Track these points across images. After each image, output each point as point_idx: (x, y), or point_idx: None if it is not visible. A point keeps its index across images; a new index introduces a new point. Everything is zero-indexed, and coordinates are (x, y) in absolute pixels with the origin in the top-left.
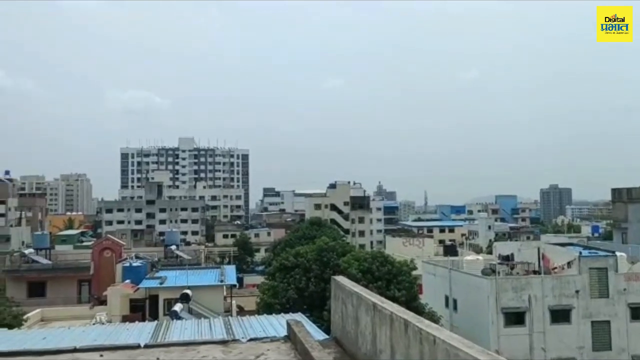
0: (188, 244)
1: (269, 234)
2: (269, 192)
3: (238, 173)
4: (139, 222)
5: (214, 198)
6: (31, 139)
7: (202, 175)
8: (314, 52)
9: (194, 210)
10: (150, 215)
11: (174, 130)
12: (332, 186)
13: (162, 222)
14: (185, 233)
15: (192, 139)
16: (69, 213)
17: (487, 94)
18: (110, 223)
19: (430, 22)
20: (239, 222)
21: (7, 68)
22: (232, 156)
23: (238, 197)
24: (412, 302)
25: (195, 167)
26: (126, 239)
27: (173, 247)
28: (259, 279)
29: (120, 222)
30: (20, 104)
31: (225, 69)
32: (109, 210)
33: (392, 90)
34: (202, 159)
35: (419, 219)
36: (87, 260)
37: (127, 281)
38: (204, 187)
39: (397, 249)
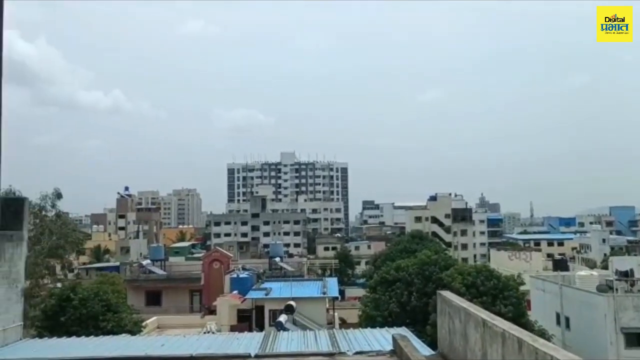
0: (291, 256)
1: (369, 246)
2: (368, 204)
3: (337, 186)
4: (244, 235)
5: (314, 211)
6: (147, 157)
7: (303, 188)
8: (410, 64)
9: (296, 223)
10: (255, 228)
11: (276, 145)
12: (433, 198)
13: (266, 234)
14: (288, 245)
15: (293, 154)
16: (180, 226)
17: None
18: (218, 235)
19: (536, 24)
20: (339, 234)
21: (127, 92)
22: (331, 169)
23: (338, 210)
24: (519, 319)
25: (297, 181)
26: (233, 251)
27: (277, 259)
28: (360, 292)
29: (228, 234)
30: (138, 125)
31: (324, 85)
32: (217, 223)
33: (494, 95)
34: (303, 173)
35: (525, 232)
36: (198, 272)
37: (235, 292)
38: (305, 200)
39: (503, 263)
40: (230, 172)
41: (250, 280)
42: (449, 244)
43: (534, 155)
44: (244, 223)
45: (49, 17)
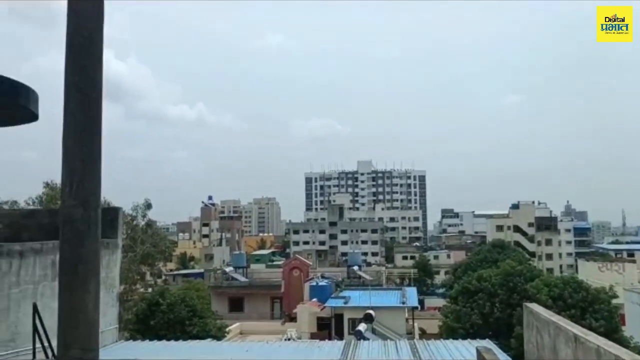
0: (369, 264)
1: (448, 256)
2: (447, 213)
3: (415, 194)
4: (322, 243)
5: (392, 219)
6: (229, 167)
7: (380, 197)
8: (490, 68)
9: (374, 231)
10: (332, 237)
11: (353, 154)
12: (515, 206)
13: (344, 243)
14: (365, 254)
15: (370, 162)
16: (261, 234)
17: None
18: (297, 243)
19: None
20: (417, 243)
21: (210, 105)
22: (409, 177)
23: (416, 219)
24: (612, 334)
25: (374, 190)
26: (312, 259)
27: (355, 268)
28: (440, 302)
29: (306, 242)
30: (221, 137)
31: (399, 93)
32: (296, 232)
33: (577, 99)
34: (380, 181)
35: (617, 242)
36: (278, 279)
37: (314, 300)
38: (383, 209)
39: (592, 274)
40: (308, 181)
41: (329, 288)
42: (532, 254)
43: (623, 160)
44: (322, 231)
45: (139, 36)
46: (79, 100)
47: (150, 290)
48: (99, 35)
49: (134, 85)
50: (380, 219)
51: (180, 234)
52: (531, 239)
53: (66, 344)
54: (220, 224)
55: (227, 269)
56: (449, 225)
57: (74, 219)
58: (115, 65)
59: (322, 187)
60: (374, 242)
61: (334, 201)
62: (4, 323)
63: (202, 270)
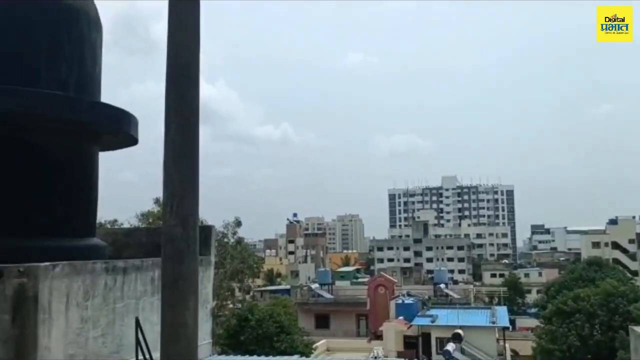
0: (456, 282)
1: (540, 274)
2: (537, 229)
3: (503, 210)
4: (407, 260)
5: (479, 236)
6: (312, 184)
7: (466, 213)
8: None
9: (460, 248)
10: (417, 254)
11: (436, 170)
12: (613, 222)
13: (429, 260)
14: (452, 271)
15: (454, 177)
16: (345, 251)
17: None
18: (381, 261)
19: None
20: (506, 260)
21: (294, 124)
22: (495, 193)
23: (504, 235)
24: None
25: (459, 205)
26: (396, 276)
27: (442, 286)
28: (532, 322)
29: (390, 259)
30: (304, 155)
31: (482, 105)
32: (380, 249)
33: None
34: (466, 197)
35: None
36: (364, 296)
37: (400, 318)
38: (469, 225)
39: None
40: (392, 197)
41: (415, 306)
42: (634, 273)
43: None
44: (407, 248)
45: (227, 61)
46: (178, 125)
47: (239, 306)
48: (196, 62)
49: (222, 108)
50: (467, 235)
51: (267, 251)
52: (632, 257)
53: (168, 357)
54: (305, 240)
55: (313, 286)
56: (540, 242)
57: (174, 238)
58: (205, 89)
59: (405, 203)
60: (461, 260)
61: (418, 217)
62: (110, 335)
63: (288, 287)
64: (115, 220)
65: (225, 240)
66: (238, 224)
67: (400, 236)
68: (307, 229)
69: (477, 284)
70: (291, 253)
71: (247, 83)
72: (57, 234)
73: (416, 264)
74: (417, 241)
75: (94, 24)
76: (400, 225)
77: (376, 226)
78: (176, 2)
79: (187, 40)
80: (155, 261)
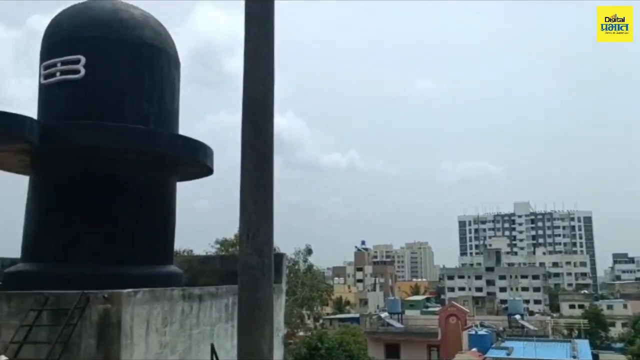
0: (531, 313)
1: (625, 306)
2: (620, 258)
3: (581, 237)
4: (479, 289)
5: (555, 265)
6: (380, 211)
7: (541, 240)
8: None
9: (535, 277)
10: (490, 283)
11: (508, 196)
12: None
13: (502, 289)
14: (527, 302)
15: (527, 204)
16: (414, 279)
17: None
18: (452, 290)
19: None
20: (586, 291)
21: (362, 152)
22: (572, 219)
23: (583, 264)
24: None
25: (533, 233)
26: (468, 305)
27: (517, 317)
28: (618, 358)
29: (462, 288)
30: (372, 182)
31: (557, 129)
32: (450, 277)
33: None
34: (540, 224)
35: None
36: (435, 326)
37: (474, 349)
38: (544, 253)
39: None
40: (462, 224)
41: (489, 337)
42: None
43: None
44: (479, 277)
45: (296, 91)
46: (254, 158)
47: (309, 333)
48: (271, 97)
49: (291, 137)
50: (542, 264)
51: (336, 278)
52: None
53: None
54: (373, 268)
55: (382, 315)
56: (624, 272)
57: (250, 267)
58: (276, 119)
59: (476, 230)
60: (536, 289)
61: (490, 245)
62: None
63: (357, 315)
64: (191, 250)
65: (297, 267)
66: (309, 251)
67: (472, 264)
68: (375, 257)
69: (555, 315)
70: (359, 281)
71: (315, 112)
72: (137, 262)
73: (489, 294)
74: (489, 270)
75: (173, 61)
76: (471, 253)
77: (446, 254)
78: (251, 39)
79: (262, 76)
80: (229, 288)
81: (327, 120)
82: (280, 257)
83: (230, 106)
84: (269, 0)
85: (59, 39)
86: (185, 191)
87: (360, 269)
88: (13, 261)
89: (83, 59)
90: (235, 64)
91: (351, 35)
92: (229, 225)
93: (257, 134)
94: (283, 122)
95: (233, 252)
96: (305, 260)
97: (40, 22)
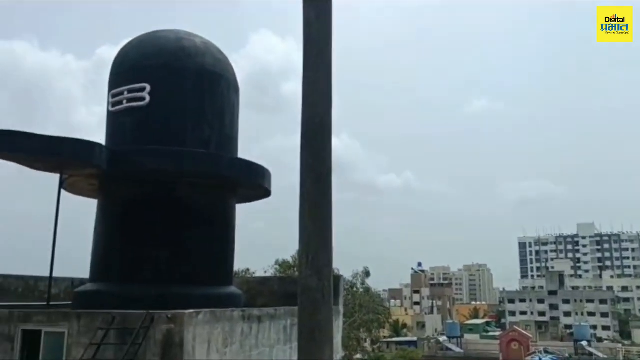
0: (600, 340)
1: None
2: None
3: None
4: (541, 314)
5: (624, 289)
6: (437, 233)
7: (607, 263)
8: None
9: (602, 302)
10: (553, 307)
11: (571, 216)
12: None
13: (567, 314)
14: (594, 327)
15: (592, 225)
16: (473, 302)
17: None
18: (513, 313)
19: None
20: None
21: (417, 172)
22: None
23: None
24: None
25: (599, 255)
26: (531, 330)
27: (584, 343)
28: None
29: (523, 313)
30: (428, 203)
31: (623, 145)
32: (511, 301)
33: None
34: (606, 246)
35: None
36: (495, 351)
37: None
38: (612, 277)
39: None
40: (522, 246)
41: None
42: None
43: None
44: (541, 301)
45: (351, 112)
46: (313, 180)
47: (367, 357)
48: (329, 120)
49: (346, 159)
50: (609, 288)
51: (392, 301)
52: None
53: None
54: (430, 291)
55: (441, 339)
56: None
57: (310, 289)
58: (332, 142)
59: (537, 252)
60: (604, 315)
61: (553, 268)
62: None
63: (415, 339)
64: (248, 269)
65: (355, 290)
66: (367, 274)
67: (533, 287)
68: (432, 279)
69: (626, 342)
70: (417, 304)
71: (370, 133)
72: (199, 282)
73: (552, 318)
74: (552, 293)
75: (232, 87)
76: (532, 276)
77: (505, 276)
78: (310, 65)
79: (319, 100)
80: (287, 310)
81: (382, 141)
82: (337, 279)
83: (285, 129)
84: (328, 26)
85: (126, 68)
86: (242, 212)
87: (417, 292)
88: (82, 281)
89: (148, 87)
90: (290, 88)
91: (405, 55)
92: (284, 246)
93: (315, 157)
94: (338, 143)
95: (291, 273)
96: (363, 283)
97: (108, 53)
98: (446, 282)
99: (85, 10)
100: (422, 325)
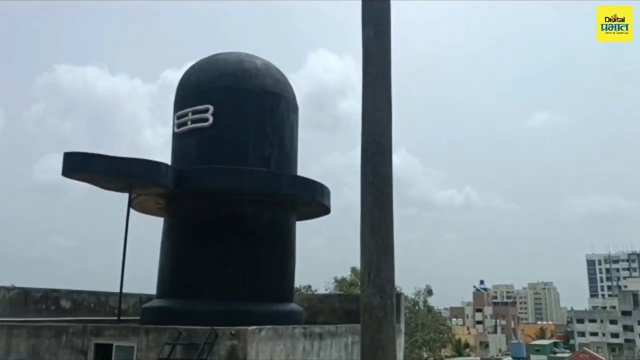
0: None
1: None
2: None
3: None
4: (614, 335)
5: None
6: (499, 250)
7: None
8: None
9: None
10: (627, 328)
11: None
12: None
13: None
14: None
15: None
16: (538, 322)
17: None
18: (582, 334)
19: None
20: None
21: (477, 188)
22: None
23: None
24: None
25: None
26: (603, 352)
27: None
28: None
29: (594, 334)
30: (490, 219)
31: None
32: (580, 321)
33: None
34: None
35: None
36: None
37: None
38: None
39: None
40: (590, 263)
41: None
42: None
43: None
44: (613, 322)
45: (408, 128)
46: (373, 197)
47: None
48: (389, 137)
49: (404, 174)
50: None
51: (454, 319)
52: None
53: None
54: (494, 309)
55: (506, 359)
56: None
57: (372, 307)
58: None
59: (607, 270)
60: None
61: (626, 287)
62: None
63: (478, 359)
64: (309, 286)
65: (416, 308)
66: (429, 292)
67: (604, 307)
68: (495, 297)
69: None
70: (479, 322)
71: (428, 148)
72: (261, 299)
73: (627, 340)
74: (625, 314)
75: (291, 106)
76: (602, 295)
77: (573, 295)
78: (369, 82)
79: (380, 117)
80: (348, 328)
81: (441, 157)
82: (397, 297)
83: (343, 147)
84: (387, 44)
85: (190, 91)
86: (301, 229)
87: (479, 310)
88: (149, 297)
89: (211, 108)
90: (348, 106)
91: (462, 69)
92: (343, 262)
93: (376, 174)
94: (396, 159)
95: (350, 291)
96: (425, 301)
97: (173, 76)
98: (510, 300)
99: (150, 35)
100: (485, 345)
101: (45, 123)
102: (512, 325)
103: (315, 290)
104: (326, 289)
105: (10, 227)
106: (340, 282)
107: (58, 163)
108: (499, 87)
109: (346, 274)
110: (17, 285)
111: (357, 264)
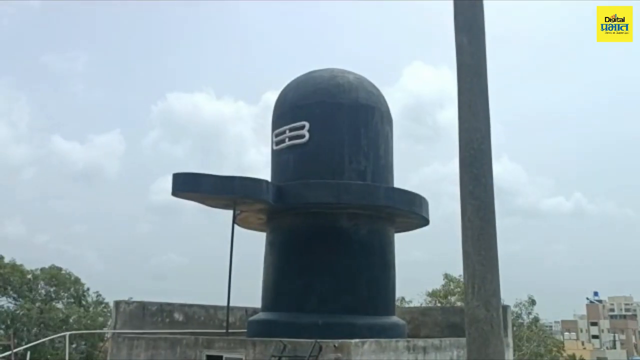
0: None
1: None
2: None
3: None
4: None
5: None
6: (615, 259)
7: None
8: None
9: None
10: None
11: None
12: None
13: None
14: None
15: None
16: None
17: None
18: None
19: None
20: None
21: (588, 194)
22: None
23: None
24: None
25: None
26: None
27: None
28: None
29: None
30: (603, 226)
31: None
32: None
33: None
34: None
35: None
36: None
37: None
38: None
39: None
40: None
41: None
42: None
43: None
44: None
45: (510, 136)
46: (474, 207)
47: None
48: (488, 144)
49: (507, 183)
50: None
51: (566, 333)
52: None
53: None
54: (611, 323)
55: None
56: None
57: (478, 320)
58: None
59: None
60: None
61: None
62: None
63: None
64: (403, 298)
65: (520, 320)
66: (532, 302)
67: None
68: (612, 310)
69: None
70: (595, 337)
71: (532, 154)
72: (362, 311)
73: None
74: None
75: (385, 118)
76: None
77: None
78: (465, 89)
79: (477, 124)
80: (453, 341)
81: (546, 164)
82: (504, 309)
83: (442, 157)
84: (481, 49)
85: (286, 109)
86: (400, 241)
87: (594, 324)
88: (254, 310)
89: (307, 125)
90: (445, 117)
91: (562, 74)
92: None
93: (476, 182)
94: (498, 168)
95: (445, 303)
96: (529, 313)
97: (272, 97)
98: (629, 313)
99: (252, 60)
100: None
101: (159, 147)
102: (634, 340)
103: (409, 302)
104: (420, 303)
105: (130, 246)
106: (432, 294)
107: (170, 184)
108: (602, 91)
109: (437, 285)
110: (135, 299)
111: (449, 271)
